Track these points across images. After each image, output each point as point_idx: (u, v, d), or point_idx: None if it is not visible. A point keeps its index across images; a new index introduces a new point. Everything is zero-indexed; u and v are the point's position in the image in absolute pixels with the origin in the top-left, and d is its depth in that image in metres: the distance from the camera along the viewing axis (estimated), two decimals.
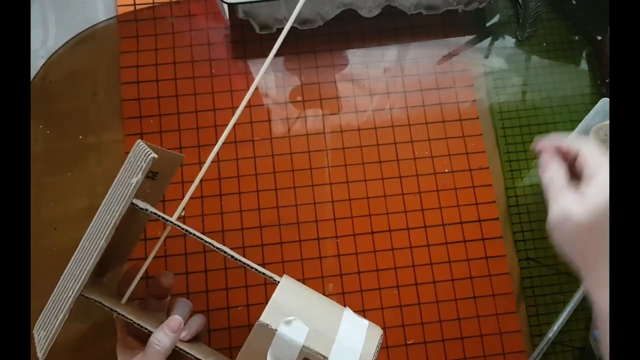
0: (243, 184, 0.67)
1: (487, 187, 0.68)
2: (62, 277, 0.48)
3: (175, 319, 0.49)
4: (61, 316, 0.45)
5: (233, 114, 0.69)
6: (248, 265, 0.48)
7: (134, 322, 0.48)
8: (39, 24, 0.72)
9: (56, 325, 0.45)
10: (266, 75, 0.71)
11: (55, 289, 0.49)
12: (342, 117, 0.70)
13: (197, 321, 0.52)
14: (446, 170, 0.69)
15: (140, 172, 0.44)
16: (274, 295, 0.46)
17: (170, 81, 0.70)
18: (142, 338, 0.49)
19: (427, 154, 0.69)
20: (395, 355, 0.63)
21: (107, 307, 0.48)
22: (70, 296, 0.45)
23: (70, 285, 0.46)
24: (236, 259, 0.48)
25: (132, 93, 0.69)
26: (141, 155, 0.45)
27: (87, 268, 0.44)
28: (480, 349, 0.64)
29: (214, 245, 0.48)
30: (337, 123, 0.70)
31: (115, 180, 0.48)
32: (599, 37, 0.74)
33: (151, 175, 0.53)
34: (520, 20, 0.75)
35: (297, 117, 0.70)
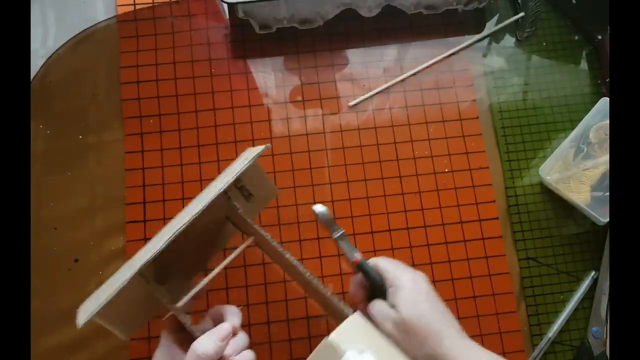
0: None
1: (487, 186, 0.68)
2: (125, 265, 0.47)
3: (225, 327, 0.44)
4: (113, 289, 0.41)
5: (233, 114, 0.69)
6: (327, 293, 0.48)
7: (187, 325, 0.45)
8: (39, 23, 0.72)
9: (105, 296, 0.41)
10: (266, 75, 0.71)
11: (114, 275, 0.47)
12: (341, 117, 0.70)
13: (244, 340, 0.46)
14: (446, 170, 0.69)
15: (247, 163, 0.45)
16: (346, 322, 0.44)
17: (170, 81, 0.70)
18: (186, 350, 0.44)
19: (427, 153, 0.69)
20: None
21: (165, 302, 0.44)
22: (131, 273, 0.42)
23: (133, 264, 0.44)
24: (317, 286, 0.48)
25: (132, 93, 0.69)
26: (252, 152, 0.46)
27: (157, 248, 0.41)
28: None
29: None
30: (337, 122, 0.70)
31: (217, 178, 0.49)
32: (599, 37, 0.74)
33: (247, 194, 0.52)
34: (519, 20, 0.75)
35: (297, 117, 0.70)
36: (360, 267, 0.49)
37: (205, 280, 0.47)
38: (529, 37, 0.74)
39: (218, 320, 0.47)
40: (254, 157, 0.47)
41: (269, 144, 0.50)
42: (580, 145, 0.67)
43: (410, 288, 0.45)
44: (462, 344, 0.43)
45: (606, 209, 0.63)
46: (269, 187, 0.55)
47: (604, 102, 0.66)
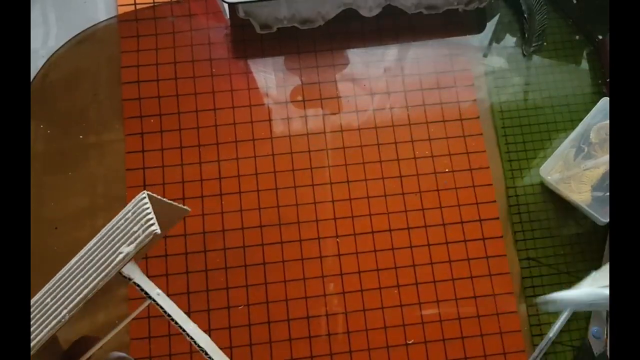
0: (243, 184, 0.67)
1: (487, 186, 0.68)
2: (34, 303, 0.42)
3: None
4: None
5: (234, 114, 0.69)
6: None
7: None
8: (40, 23, 0.72)
9: None
10: (267, 74, 0.71)
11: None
12: (342, 117, 0.70)
13: None
14: (447, 170, 0.69)
15: (135, 243, 0.40)
16: None
17: (171, 81, 0.70)
18: None
19: (428, 153, 0.69)
20: (396, 355, 0.63)
21: None
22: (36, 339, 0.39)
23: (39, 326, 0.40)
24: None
25: (133, 92, 0.69)
26: (141, 218, 0.40)
27: (40, 336, 0.39)
28: (480, 348, 0.63)
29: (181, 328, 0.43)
30: (338, 122, 0.70)
31: (109, 226, 0.43)
32: (600, 37, 0.74)
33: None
34: (526, 35, 0.74)
35: (298, 117, 0.70)
36: None
37: (101, 342, 0.45)
38: (535, 51, 0.74)
39: None
40: (149, 217, 0.41)
41: (187, 209, 0.44)
42: (581, 145, 0.67)
43: None
44: None
45: (607, 209, 0.63)
46: (175, 210, 0.49)
47: (604, 102, 0.66)
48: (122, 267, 0.40)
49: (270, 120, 0.69)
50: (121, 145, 0.67)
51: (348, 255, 0.65)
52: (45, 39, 0.71)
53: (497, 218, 0.67)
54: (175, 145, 0.67)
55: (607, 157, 0.65)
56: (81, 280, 0.40)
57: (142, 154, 0.67)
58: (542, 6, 0.74)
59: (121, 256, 0.40)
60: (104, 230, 0.42)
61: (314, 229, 0.66)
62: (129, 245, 0.40)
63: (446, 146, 0.70)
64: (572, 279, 0.66)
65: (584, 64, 0.74)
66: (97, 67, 0.70)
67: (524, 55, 0.74)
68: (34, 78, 0.69)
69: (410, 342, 0.63)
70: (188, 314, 0.62)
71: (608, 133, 0.66)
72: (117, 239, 0.41)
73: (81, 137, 0.67)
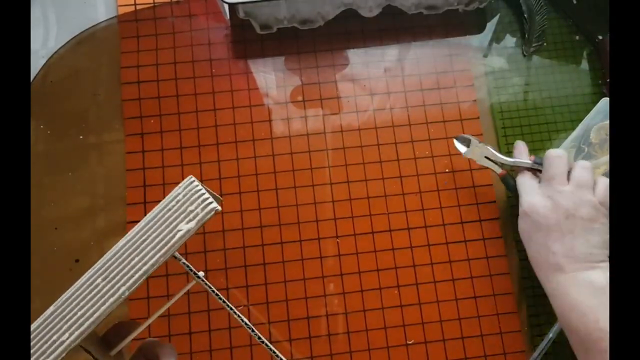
0: (243, 184, 0.67)
1: (487, 186, 0.68)
2: (54, 306, 0.40)
3: None
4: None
5: (234, 114, 0.69)
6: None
7: None
8: (40, 24, 0.72)
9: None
10: (267, 75, 0.71)
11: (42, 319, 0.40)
12: (342, 117, 0.70)
13: None
14: (447, 170, 0.69)
15: (195, 220, 0.39)
16: None
17: (171, 81, 0.70)
18: None
19: (428, 153, 0.69)
20: (396, 355, 0.63)
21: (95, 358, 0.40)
22: (65, 342, 0.38)
23: (65, 327, 0.39)
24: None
25: (133, 93, 0.69)
26: (197, 198, 0.40)
27: (97, 315, 0.38)
28: (480, 348, 0.63)
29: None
30: (338, 123, 0.70)
31: (158, 209, 0.41)
32: (600, 37, 0.74)
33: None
34: (527, 35, 0.74)
35: (298, 117, 0.70)
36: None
37: (141, 328, 0.43)
38: (535, 51, 0.74)
39: (151, 358, 0.44)
40: (205, 197, 0.41)
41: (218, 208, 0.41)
42: (581, 146, 0.67)
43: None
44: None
45: None
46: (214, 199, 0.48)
47: (604, 102, 0.66)
48: (182, 244, 0.39)
49: (270, 120, 0.69)
50: (121, 146, 0.67)
51: (348, 256, 0.65)
52: (45, 39, 0.71)
53: (497, 218, 0.67)
54: (176, 146, 0.67)
55: (607, 157, 0.65)
56: (137, 259, 0.39)
57: (142, 154, 0.67)
58: (542, 6, 0.74)
59: (181, 233, 0.39)
60: (151, 215, 0.41)
61: (314, 229, 0.66)
62: (188, 223, 0.39)
63: (446, 146, 0.70)
64: None
65: (584, 64, 0.74)
66: (97, 67, 0.70)
67: (524, 55, 0.74)
68: (34, 78, 0.69)
69: (410, 342, 0.63)
70: (187, 314, 0.62)
71: (608, 133, 0.66)
72: (172, 218, 0.40)
73: (81, 137, 0.67)
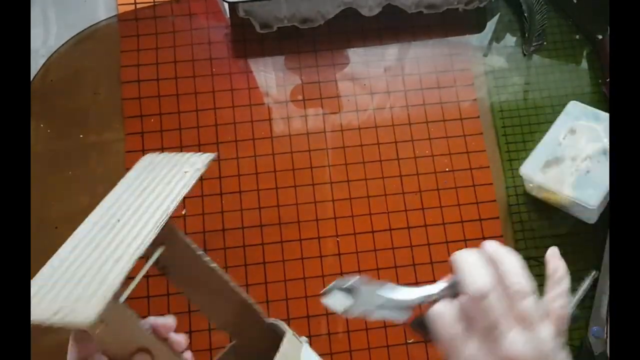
0: (243, 183, 0.67)
1: (487, 186, 0.68)
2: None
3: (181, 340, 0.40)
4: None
5: (234, 113, 0.69)
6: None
7: None
8: (40, 23, 0.72)
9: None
10: (267, 74, 0.71)
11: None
12: (342, 116, 0.70)
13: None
14: (447, 169, 0.69)
15: (201, 160, 0.41)
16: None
17: (171, 80, 0.70)
18: None
19: (428, 152, 0.69)
20: (396, 355, 0.63)
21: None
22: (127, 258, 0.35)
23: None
24: None
25: (133, 92, 0.69)
26: (186, 159, 0.41)
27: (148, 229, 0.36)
28: None
29: None
30: (338, 122, 0.70)
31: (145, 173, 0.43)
32: (600, 36, 0.74)
33: None
34: (527, 35, 0.74)
35: (298, 116, 0.70)
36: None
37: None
38: (535, 51, 0.74)
39: None
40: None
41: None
42: (554, 147, 0.66)
43: None
44: None
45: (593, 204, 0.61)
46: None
47: (573, 105, 0.66)
48: (194, 183, 0.39)
49: (270, 119, 0.69)
50: (121, 145, 0.67)
51: (348, 255, 0.65)
52: (46, 38, 0.71)
53: (497, 218, 0.67)
54: (176, 145, 0.67)
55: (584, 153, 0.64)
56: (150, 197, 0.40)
57: (143, 153, 0.67)
58: (542, 6, 0.74)
59: (192, 169, 0.40)
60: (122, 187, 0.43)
61: (314, 228, 0.66)
62: (191, 167, 0.40)
63: (446, 145, 0.70)
64: (572, 279, 0.66)
65: (584, 64, 0.74)
66: (97, 66, 0.70)
67: (524, 54, 0.74)
68: (34, 78, 0.69)
69: (410, 341, 0.63)
70: (188, 313, 0.62)
71: (576, 134, 0.65)
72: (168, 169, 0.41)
73: (81, 136, 0.67)
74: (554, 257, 0.43)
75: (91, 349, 0.38)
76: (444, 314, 0.37)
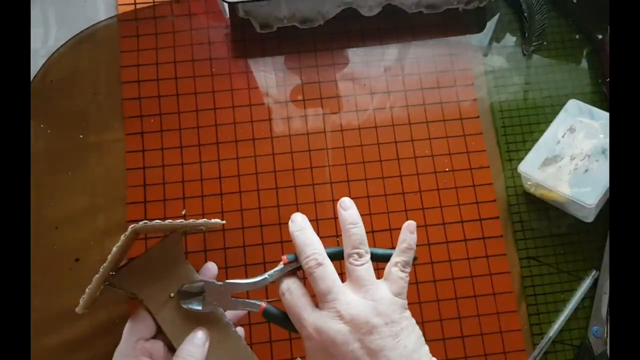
0: (243, 183, 0.67)
1: (487, 185, 0.68)
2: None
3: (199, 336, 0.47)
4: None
5: (234, 113, 0.69)
6: None
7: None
8: (40, 23, 0.72)
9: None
10: (267, 74, 0.71)
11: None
12: (342, 116, 0.70)
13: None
14: (447, 169, 0.69)
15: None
16: None
17: (171, 80, 0.70)
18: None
19: (428, 152, 0.69)
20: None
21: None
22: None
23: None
24: None
25: (133, 92, 0.69)
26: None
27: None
28: (480, 347, 0.64)
29: None
30: (338, 122, 0.70)
31: None
32: (600, 36, 0.74)
33: None
34: (527, 34, 0.74)
35: (298, 116, 0.70)
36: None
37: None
38: (535, 50, 0.74)
39: None
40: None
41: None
42: (554, 146, 0.66)
43: None
44: None
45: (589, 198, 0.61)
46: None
47: (572, 103, 0.66)
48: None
49: (270, 119, 0.69)
50: (121, 145, 0.67)
51: None
52: (45, 38, 0.71)
53: (497, 217, 0.67)
54: (176, 145, 0.67)
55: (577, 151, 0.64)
56: None
57: (142, 153, 0.67)
58: (542, 5, 0.74)
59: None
60: None
61: (314, 228, 0.66)
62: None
63: (446, 145, 0.70)
64: (573, 279, 0.66)
65: (584, 64, 0.74)
66: (97, 66, 0.70)
67: (524, 54, 0.74)
68: (34, 78, 0.69)
69: None
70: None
71: (575, 132, 0.65)
72: None
73: (81, 136, 0.67)
74: (406, 230, 0.49)
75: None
76: (287, 288, 0.45)
